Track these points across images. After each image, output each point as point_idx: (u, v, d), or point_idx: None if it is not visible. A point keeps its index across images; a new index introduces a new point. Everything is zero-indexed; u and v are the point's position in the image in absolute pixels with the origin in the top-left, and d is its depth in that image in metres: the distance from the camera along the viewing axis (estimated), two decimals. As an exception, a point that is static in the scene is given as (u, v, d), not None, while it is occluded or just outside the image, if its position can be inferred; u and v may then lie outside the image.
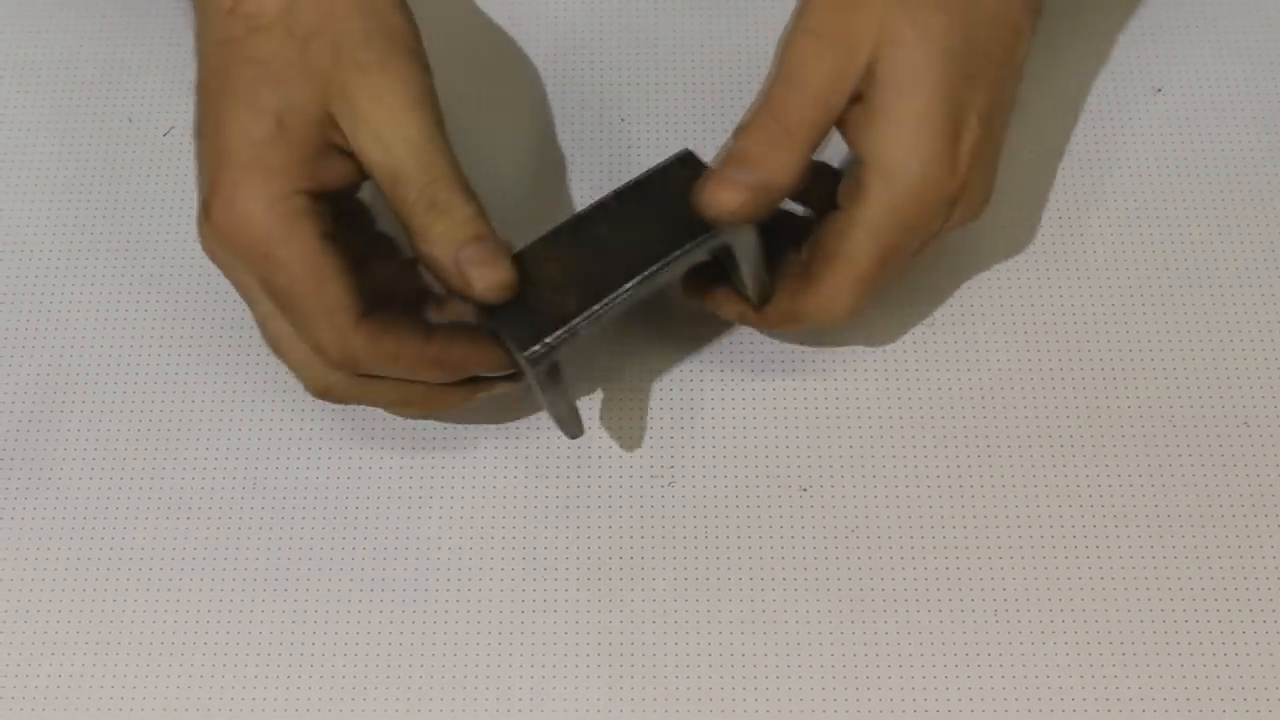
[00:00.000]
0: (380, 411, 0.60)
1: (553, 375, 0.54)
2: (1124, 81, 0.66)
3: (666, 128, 0.66)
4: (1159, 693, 0.55)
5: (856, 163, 0.54)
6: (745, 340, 0.61)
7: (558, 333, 0.52)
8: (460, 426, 0.60)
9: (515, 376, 0.56)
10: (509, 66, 0.67)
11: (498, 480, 0.59)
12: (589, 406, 0.60)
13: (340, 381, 0.54)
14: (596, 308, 0.53)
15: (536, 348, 0.52)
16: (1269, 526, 0.58)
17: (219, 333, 0.62)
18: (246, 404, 0.61)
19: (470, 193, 0.53)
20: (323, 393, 0.55)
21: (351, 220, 0.55)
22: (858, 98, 0.54)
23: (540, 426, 0.60)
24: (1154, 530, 0.58)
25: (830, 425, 0.60)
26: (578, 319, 0.53)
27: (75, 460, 0.60)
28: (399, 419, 0.60)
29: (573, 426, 0.57)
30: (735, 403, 0.60)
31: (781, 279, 0.57)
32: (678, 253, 0.53)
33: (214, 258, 0.54)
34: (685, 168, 0.55)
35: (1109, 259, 0.63)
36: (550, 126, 0.66)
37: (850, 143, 0.55)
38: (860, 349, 0.61)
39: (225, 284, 0.62)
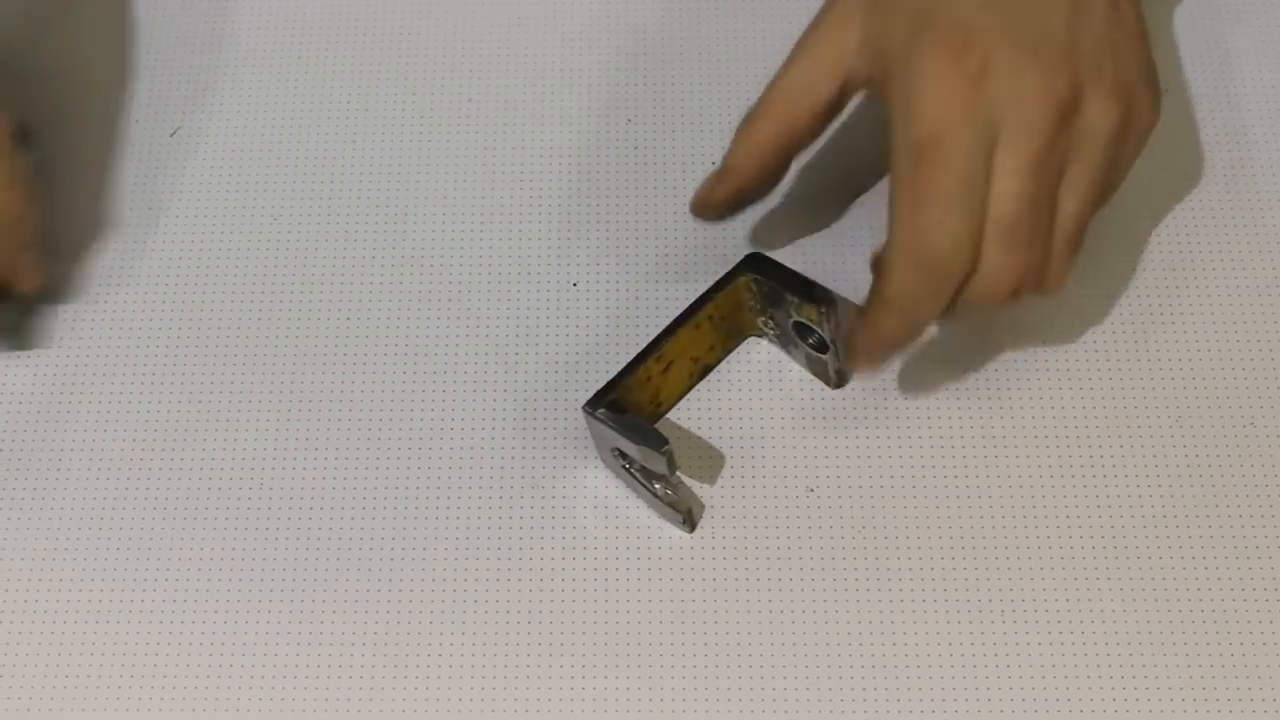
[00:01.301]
0: (390, 410, 0.60)
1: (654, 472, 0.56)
2: (1130, 82, 0.66)
3: (673, 129, 0.66)
4: (1166, 691, 0.55)
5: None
6: (751, 341, 0.61)
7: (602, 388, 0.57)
8: (467, 426, 0.60)
9: None
10: (516, 67, 0.67)
11: (503, 481, 0.59)
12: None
13: None
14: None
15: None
16: (1276, 526, 0.58)
17: (226, 333, 0.62)
18: (255, 404, 0.61)
19: None
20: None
21: None
22: (873, 80, 0.55)
23: (547, 429, 0.60)
24: (1162, 529, 0.58)
25: (837, 425, 0.60)
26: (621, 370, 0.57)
27: (83, 462, 0.60)
28: (409, 420, 0.60)
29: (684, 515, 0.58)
30: (742, 403, 0.60)
31: None
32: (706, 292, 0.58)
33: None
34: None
35: (1115, 259, 0.63)
36: (556, 128, 0.66)
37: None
38: (866, 349, 0.61)
39: (234, 284, 0.63)
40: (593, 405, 0.56)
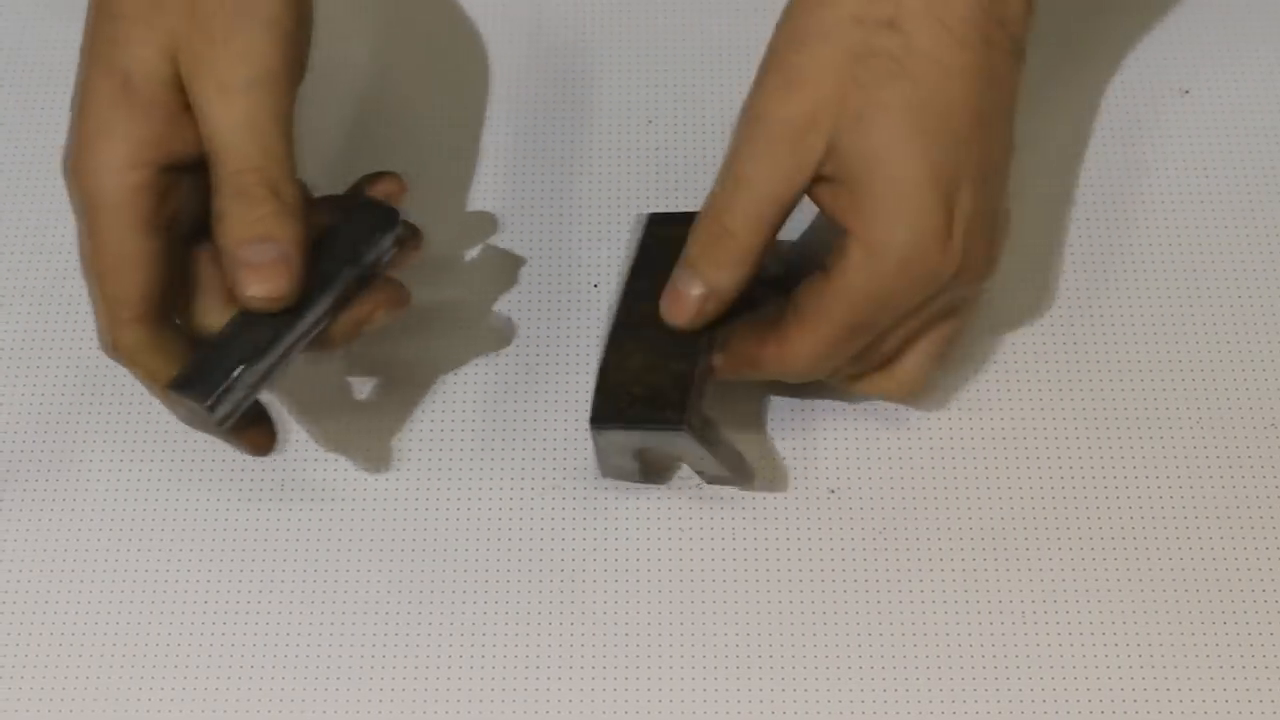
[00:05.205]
0: (409, 411, 0.61)
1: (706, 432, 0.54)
2: (1151, 83, 0.66)
3: (693, 130, 0.66)
4: (1188, 690, 0.55)
5: (839, 231, 0.52)
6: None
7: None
8: (487, 426, 0.60)
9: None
10: (535, 69, 0.67)
11: (522, 482, 0.59)
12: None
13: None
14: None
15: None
16: (1298, 528, 0.58)
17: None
18: (271, 403, 0.61)
19: (285, 191, 0.50)
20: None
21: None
22: (824, 178, 0.51)
23: (563, 434, 0.60)
24: (1184, 531, 0.58)
25: (858, 426, 0.60)
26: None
27: (99, 462, 0.60)
28: (429, 420, 0.60)
29: (741, 474, 0.57)
30: (762, 405, 0.60)
31: (755, 323, 0.55)
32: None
33: (68, 189, 0.53)
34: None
35: (1137, 260, 0.63)
36: (575, 129, 0.66)
37: (829, 215, 0.52)
38: (887, 351, 0.61)
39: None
40: (600, 422, 0.54)
